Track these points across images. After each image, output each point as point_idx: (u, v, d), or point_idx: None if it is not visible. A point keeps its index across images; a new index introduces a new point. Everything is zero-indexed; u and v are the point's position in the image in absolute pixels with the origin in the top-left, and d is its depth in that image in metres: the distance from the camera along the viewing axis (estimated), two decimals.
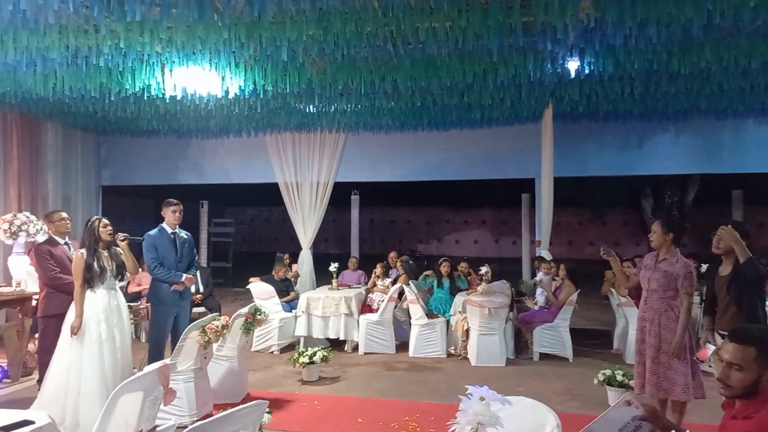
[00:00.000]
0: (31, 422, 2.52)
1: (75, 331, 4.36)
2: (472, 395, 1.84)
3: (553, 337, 6.78)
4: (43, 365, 5.09)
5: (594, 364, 6.32)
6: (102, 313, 4.46)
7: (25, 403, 4.55)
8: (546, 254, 8.10)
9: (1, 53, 5.26)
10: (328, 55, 5.66)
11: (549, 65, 6.01)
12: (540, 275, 7.65)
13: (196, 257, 5.60)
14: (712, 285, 4.14)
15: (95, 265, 4.48)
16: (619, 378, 5.01)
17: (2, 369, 5.68)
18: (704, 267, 5.93)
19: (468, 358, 6.74)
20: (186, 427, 2.58)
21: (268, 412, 3.99)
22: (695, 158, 8.88)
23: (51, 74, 6.12)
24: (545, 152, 8.19)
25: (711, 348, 4.15)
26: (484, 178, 10.08)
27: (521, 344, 7.08)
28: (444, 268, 7.97)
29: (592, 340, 7.78)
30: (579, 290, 6.90)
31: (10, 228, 6.02)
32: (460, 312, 7.14)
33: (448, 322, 7.28)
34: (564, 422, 2.23)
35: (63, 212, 5.50)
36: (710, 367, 4.46)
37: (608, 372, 5.10)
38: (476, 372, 6.27)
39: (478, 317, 6.59)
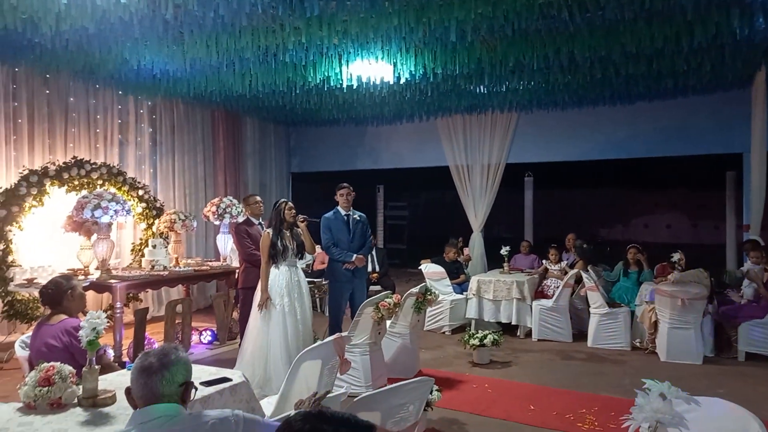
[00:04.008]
0: (229, 379, 2.86)
1: (262, 305, 4.84)
2: (650, 390, 1.64)
3: (765, 335, 5.85)
4: (244, 330, 5.78)
5: None
6: (285, 287, 4.88)
7: (229, 363, 5.19)
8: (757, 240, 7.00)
9: (207, 56, 6.01)
10: (497, 31, 5.47)
11: (761, 20, 5.12)
12: (748, 264, 6.64)
13: (371, 238, 5.86)
14: None
15: (279, 243, 4.91)
16: None
17: (212, 332, 6.56)
18: None
19: (656, 353, 6.14)
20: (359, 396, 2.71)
21: (438, 390, 4.05)
22: None
23: (247, 72, 6.85)
24: (756, 123, 7.03)
25: None
26: (678, 154, 9.02)
27: (723, 341, 6.22)
28: (631, 255, 7.33)
29: None
30: None
31: (217, 210, 6.90)
32: (647, 302, 6.52)
33: (632, 312, 6.70)
34: None
35: (257, 196, 6.17)
36: None
37: None
38: (666, 368, 5.68)
39: (669, 308, 5.95)
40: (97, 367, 2.55)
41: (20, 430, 2.26)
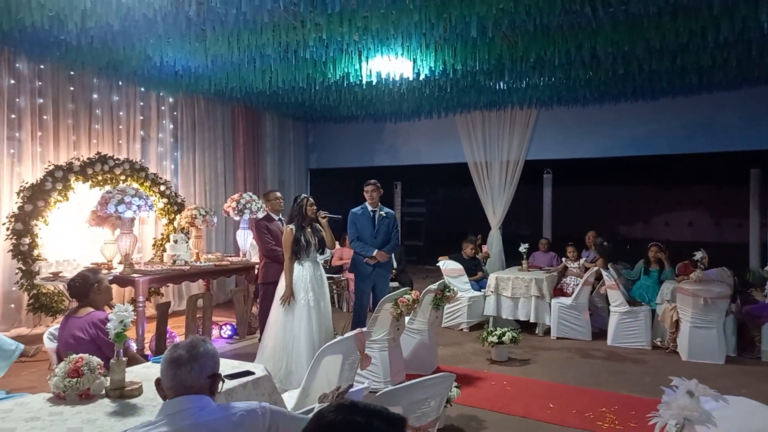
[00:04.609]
0: (252, 373, 2.89)
1: (288, 301, 4.87)
2: (677, 387, 1.63)
3: None
4: (264, 325, 5.83)
5: None
6: (309, 282, 4.93)
7: (249, 356, 5.22)
8: None
9: (229, 53, 6.06)
10: (519, 27, 5.43)
11: None
12: None
13: (395, 234, 5.87)
14: None
15: (302, 239, 4.95)
16: None
17: (232, 327, 6.62)
18: None
19: (677, 352, 6.07)
20: (379, 391, 2.73)
21: (456, 387, 4.05)
22: None
23: (267, 69, 6.88)
24: None
25: None
26: (702, 151, 8.86)
27: (746, 341, 6.14)
28: (652, 253, 7.24)
29: None
30: None
31: (237, 206, 6.96)
32: (668, 301, 6.45)
33: (653, 311, 6.63)
34: None
35: (278, 192, 6.23)
36: None
37: None
38: (687, 367, 5.61)
39: (691, 307, 5.88)
40: (124, 359, 2.60)
41: (51, 420, 2.32)
